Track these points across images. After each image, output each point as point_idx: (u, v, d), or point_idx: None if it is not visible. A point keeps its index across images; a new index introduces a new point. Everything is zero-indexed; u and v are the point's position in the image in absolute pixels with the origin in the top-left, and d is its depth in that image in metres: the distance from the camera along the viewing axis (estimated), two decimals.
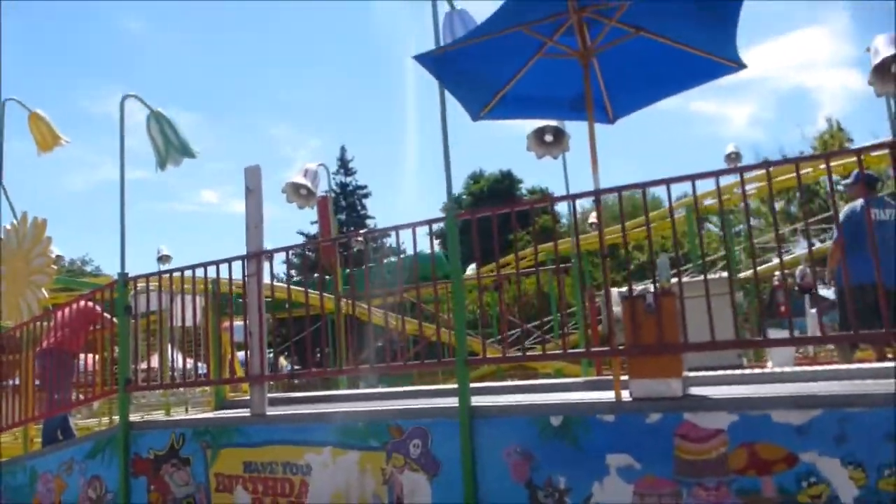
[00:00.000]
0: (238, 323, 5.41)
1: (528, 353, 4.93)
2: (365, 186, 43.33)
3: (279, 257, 5.16)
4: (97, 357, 6.60)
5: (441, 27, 5.24)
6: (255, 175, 5.27)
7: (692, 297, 3.74)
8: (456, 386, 4.09)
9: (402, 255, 5.47)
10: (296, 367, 8.69)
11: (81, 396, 6.79)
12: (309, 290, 5.69)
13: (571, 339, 8.26)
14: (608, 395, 4.08)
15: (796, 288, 11.50)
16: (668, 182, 3.72)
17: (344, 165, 42.96)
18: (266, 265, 5.09)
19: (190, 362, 6.28)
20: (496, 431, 3.91)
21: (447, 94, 4.72)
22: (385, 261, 7.84)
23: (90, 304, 6.53)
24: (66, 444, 6.07)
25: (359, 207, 42.75)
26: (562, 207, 26.93)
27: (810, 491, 3.12)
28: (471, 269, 11.69)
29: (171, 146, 6.45)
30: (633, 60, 4.76)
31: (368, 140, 68.27)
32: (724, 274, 5.55)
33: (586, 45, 4.52)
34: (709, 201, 12.99)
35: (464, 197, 39.49)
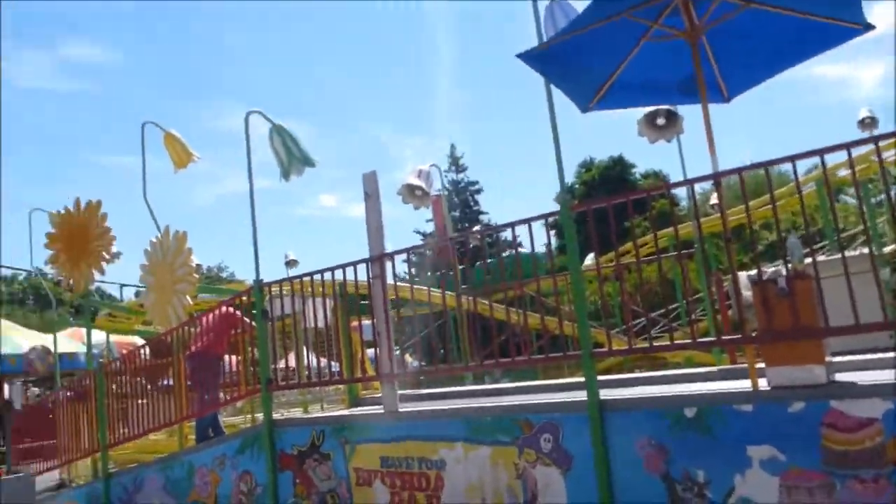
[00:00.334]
0: (366, 322, 5.62)
1: (655, 344, 4.82)
2: (476, 182, 43.60)
3: (399, 257, 5.33)
4: (238, 358, 7.06)
5: (542, 20, 5.20)
6: (373, 180, 5.47)
7: (830, 277, 3.53)
8: (582, 379, 4.07)
9: (516, 250, 5.47)
10: (421, 363, 8.94)
11: (228, 396, 7.29)
12: (431, 289, 5.84)
13: (700, 327, 7.95)
14: (743, 385, 3.93)
15: None
16: (793, 159, 3.53)
17: (455, 163, 43.37)
18: (388, 266, 5.27)
19: (321, 361, 6.60)
20: (627, 424, 3.87)
21: (553, 87, 4.68)
22: (503, 255, 7.89)
23: (231, 309, 6.99)
24: (217, 440, 6.54)
25: (471, 203, 43.03)
26: (679, 191, 25.90)
27: None
28: (588, 259, 11.53)
29: (293, 157, 6.78)
30: (745, 34, 4.54)
31: (475, 135, 68.73)
32: (865, 250, 5.17)
33: (693, 24, 4.36)
34: (843, 172, 12.10)
35: (576, 186, 38.79)
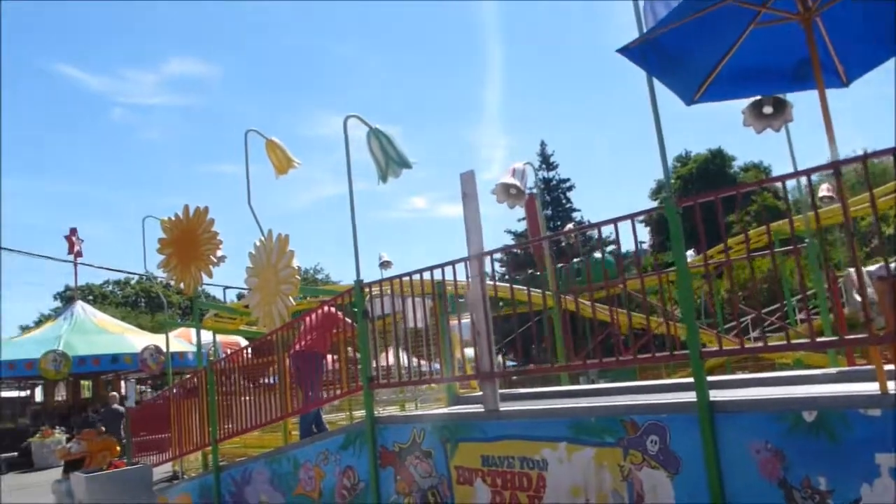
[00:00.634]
0: (463, 321, 5.66)
1: (769, 344, 4.58)
2: (568, 180, 43.11)
3: (494, 256, 5.32)
4: (340, 357, 7.24)
5: (642, 11, 5.05)
6: (471, 180, 5.48)
7: None
8: (685, 380, 3.94)
9: (618, 246, 5.36)
10: (516, 364, 8.91)
11: (330, 393, 7.50)
12: (527, 288, 5.80)
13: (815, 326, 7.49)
14: (868, 387, 3.68)
15: None
16: None
17: (545, 160, 43.02)
18: (486, 265, 5.28)
19: (415, 361, 6.67)
20: (740, 427, 3.70)
21: (655, 81, 4.54)
22: (596, 254, 7.75)
23: (332, 309, 7.19)
24: (320, 436, 6.74)
25: (563, 201, 42.57)
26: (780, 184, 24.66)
27: None
28: (688, 256, 11.13)
29: (391, 159, 6.90)
30: (866, 12, 4.24)
31: (565, 133, 67.89)
32: None
33: (807, 5, 4.11)
34: None
35: (672, 181, 37.59)
